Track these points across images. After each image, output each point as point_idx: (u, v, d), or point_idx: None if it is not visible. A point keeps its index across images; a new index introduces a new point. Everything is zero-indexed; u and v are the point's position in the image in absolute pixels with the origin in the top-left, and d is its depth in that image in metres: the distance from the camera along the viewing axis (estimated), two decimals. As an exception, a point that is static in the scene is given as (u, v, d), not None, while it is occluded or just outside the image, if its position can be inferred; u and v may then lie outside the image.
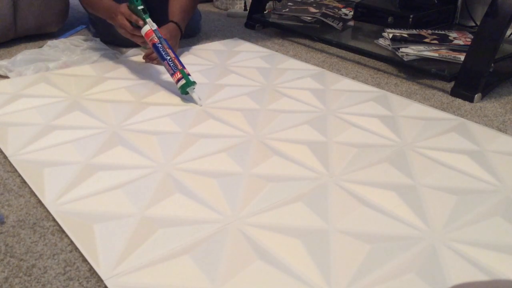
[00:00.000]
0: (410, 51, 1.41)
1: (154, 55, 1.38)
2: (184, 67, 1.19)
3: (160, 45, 1.20)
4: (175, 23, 1.43)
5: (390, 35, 1.51)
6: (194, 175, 0.89)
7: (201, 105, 1.16)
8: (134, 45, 1.57)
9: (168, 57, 1.19)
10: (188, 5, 1.49)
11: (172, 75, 1.19)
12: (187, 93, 1.18)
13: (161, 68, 1.39)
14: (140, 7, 1.21)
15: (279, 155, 0.96)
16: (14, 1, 1.53)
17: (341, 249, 0.72)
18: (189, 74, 1.19)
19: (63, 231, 0.76)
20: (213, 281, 0.66)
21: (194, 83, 1.18)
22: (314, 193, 0.85)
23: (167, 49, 1.20)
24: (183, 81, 1.17)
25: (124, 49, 1.57)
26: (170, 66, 1.19)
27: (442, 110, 1.20)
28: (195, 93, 1.18)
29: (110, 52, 1.49)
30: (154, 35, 1.21)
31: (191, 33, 1.72)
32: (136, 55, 1.49)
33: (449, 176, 0.91)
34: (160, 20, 1.48)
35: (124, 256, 0.70)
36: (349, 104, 1.20)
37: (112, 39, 1.59)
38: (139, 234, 0.74)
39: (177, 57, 1.21)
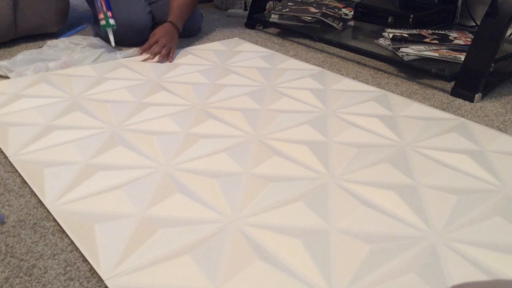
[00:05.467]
0: (410, 51, 1.41)
1: (156, 51, 1.45)
2: (109, 10, 1.43)
3: None
4: (171, 22, 1.50)
5: (391, 35, 1.51)
6: (194, 175, 0.89)
7: (113, 46, 1.39)
8: (135, 45, 1.58)
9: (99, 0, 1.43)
10: (185, 3, 1.53)
11: (98, 14, 1.45)
12: (106, 31, 1.43)
13: (161, 68, 1.40)
14: None
15: (279, 155, 0.96)
16: (14, 1, 1.53)
17: (341, 249, 0.72)
18: (111, 17, 1.43)
19: (64, 231, 0.76)
20: (213, 281, 0.66)
21: (113, 26, 1.44)
22: (314, 193, 0.85)
23: None
24: (103, 22, 1.43)
25: (124, 49, 1.57)
26: (98, 6, 1.42)
27: (442, 110, 1.20)
28: (112, 35, 1.44)
29: (110, 52, 1.49)
30: None
31: (192, 32, 1.73)
32: (137, 55, 1.50)
33: (449, 176, 0.91)
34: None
35: (125, 256, 0.70)
36: (349, 104, 1.20)
37: (114, 37, 1.60)
38: (140, 234, 0.74)
39: (106, 1, 1.42)
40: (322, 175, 0.90)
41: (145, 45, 1.47)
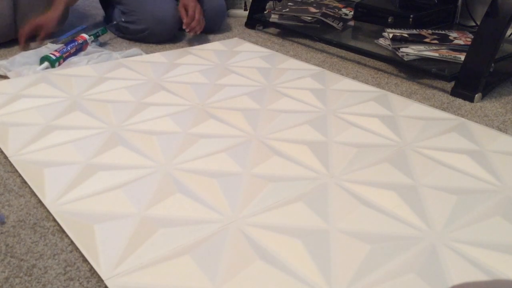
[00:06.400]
0: (410, 51, 1.42)
1: (193, 25, 1.59)
2: (64, 54, 1.43)
3: (75, 42, 1.48)
4: None
5: (390, 35, 1.51)
6: (194, 175, 0.89)
7: (37, 69, 1.36)
8: (164, 42, 1.66)
9: (67, 47, 1.46)
10: None
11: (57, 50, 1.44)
12: (41, 62, 1.39)
13: (161, 68, 1.40)
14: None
15: (279, 155, 0.96)
16: (14, 1, 1.53)
17: (341, 249, 0.72)
18: (59, 62, 1.41)
19: (64, 231, 0.76)
20: (213, 281, 0.66)
21: (52, 62, 1.39)
22: (314, 193, 0.85)
23: (70, 48, 1.47)
24: (46, 57, 1.39)
25: (124, 49, 1.57)
26: (63, 49, 1.45)
27: (442, 110, 1.20)
28: (42, 68, 1.37)
29: (110, 52, 1.49)
30: (82, 40, 1.51)
31: (219, 20, 1.79)
32: (136, 55, 1.50)
33: (449, 176, 0.91)
34: None
35: (125, 256, 0.70)
36: (349, 104, 1.20)
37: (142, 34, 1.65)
38: (140, 234, 0.74)
39: (69, 54, 1.46)
40: (322, 175, 0.90)
41: (188, 19, 1.57)
